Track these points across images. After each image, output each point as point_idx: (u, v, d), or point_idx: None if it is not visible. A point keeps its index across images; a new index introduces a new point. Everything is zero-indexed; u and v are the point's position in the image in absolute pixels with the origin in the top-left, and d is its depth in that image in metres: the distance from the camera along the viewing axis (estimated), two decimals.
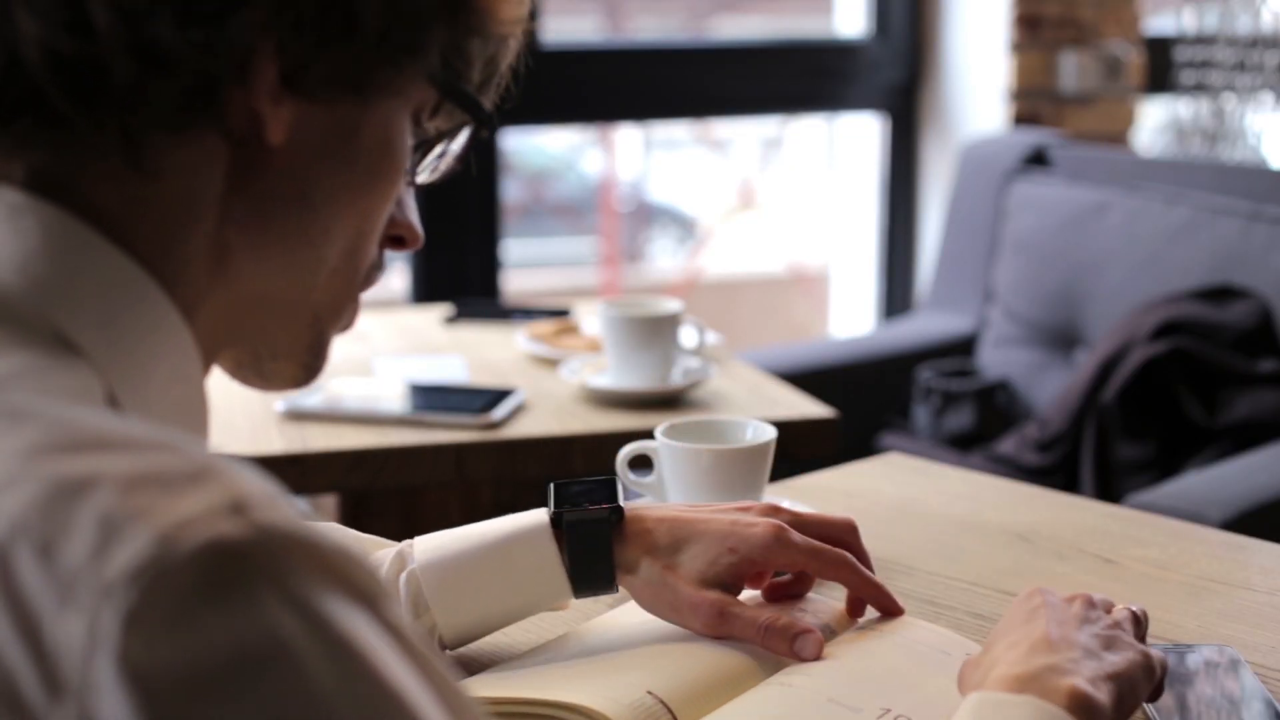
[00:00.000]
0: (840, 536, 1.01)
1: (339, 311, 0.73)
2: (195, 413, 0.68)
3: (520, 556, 0.97)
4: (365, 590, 0.52)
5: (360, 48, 0.64)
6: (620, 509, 0.98)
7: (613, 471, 1.24)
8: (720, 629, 0.95)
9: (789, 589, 1.02)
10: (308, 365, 0.73)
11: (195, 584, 0.48)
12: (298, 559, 0.50)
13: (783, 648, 0.93)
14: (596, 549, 0.97)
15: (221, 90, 0.61)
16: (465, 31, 0.68)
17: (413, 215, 0.75)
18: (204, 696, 0.47)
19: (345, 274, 0.71)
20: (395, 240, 0.74)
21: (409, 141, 0.70)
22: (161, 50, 0.60)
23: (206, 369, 0.69)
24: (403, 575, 0.97)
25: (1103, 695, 0.79)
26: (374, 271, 0.74)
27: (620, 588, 0.99)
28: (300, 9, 0.61)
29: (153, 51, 0.60)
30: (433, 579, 0.96)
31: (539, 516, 0.98)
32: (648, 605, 0.98)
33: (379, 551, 1.00)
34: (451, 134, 0.73)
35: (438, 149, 0.74)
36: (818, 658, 0.93)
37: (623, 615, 1.03)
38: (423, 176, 0.75)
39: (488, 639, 1.02)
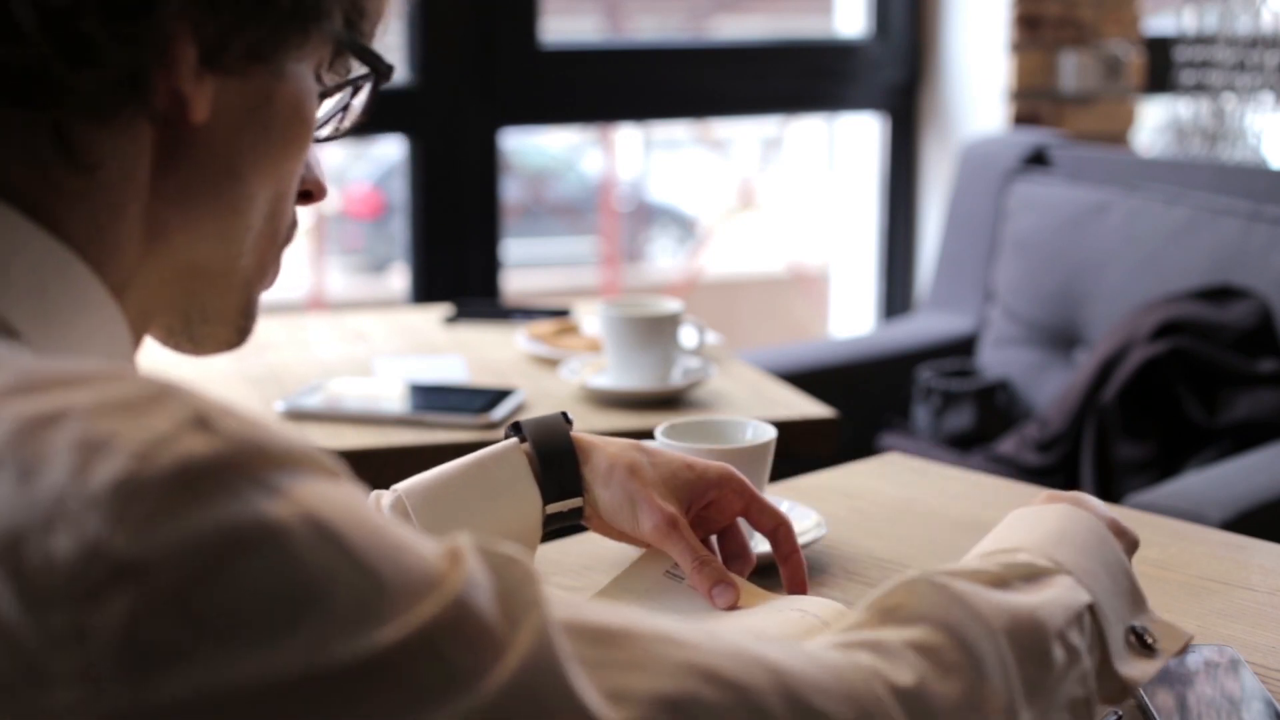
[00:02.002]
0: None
1: (264, 272, 0.75)
2: None
3: (496, 470, 1.05)
4: (329, 468, 0.55)
5: (274, 21, 0.65)
6: (567, 414, 1.07)
7: None
8: (664, 539, 1.03)
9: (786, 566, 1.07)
10: (240, 328, 0.75)
11: (178, 489, 0.50)
12: (267, 457, 0.52)
13: (703, 587, 1.02)
14: (556, 440, 1.05)
15: (147, 76, 0.62)
16: None
17: (318, 170, 0.77)
18: (198, 581, 0.49)
19: (267, 235, 0.73)
20: (303, 195, 0.77)
21: (316, 100, 0.72)
22: (89, 46, 0.61)
23: (138, 343, 0.70)
24: (385, 503, 1.03)
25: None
26: (292, 229, 0.76)
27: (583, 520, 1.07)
28: None
29: (81, 48, 0.61)
30: (417, 498, 1.03)
31: (514, 440, 1.07)
32: (608, 494, 1.04)
33: None
34: (350, 85, 0.74)
35: (336, 100, 0.75)
36: (731, 608, 1.02)
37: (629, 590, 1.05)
38: (325, 130, 0.77)
39: None
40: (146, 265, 0.67)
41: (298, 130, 0.70)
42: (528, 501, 1.04)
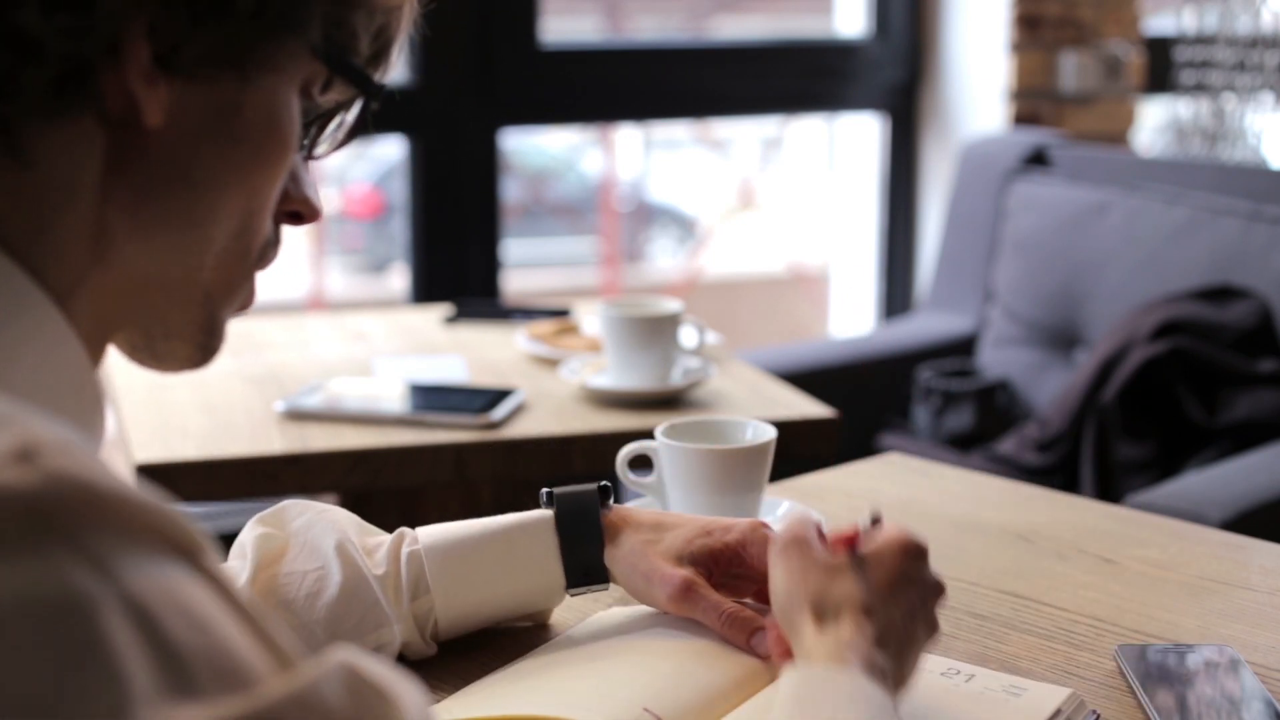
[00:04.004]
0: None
1: (232, 291, 0.71)
2: (79, 397, 0.65)
3: (521, 545, 1.01)
4: (177, 542, 0.50)
5: (235, 24, 0.63)
6: (608, 485, 1.02)
7: (613, 471, 1.25)
8: (683, 605, 0.98)
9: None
10: (202, 345, 0.72)
11: None
12: (92, 510, 0.48)
13: (740, 639, 0.96)
14: (586, 521, 1.01)
15: (94, 74, 0.60)
16: (345, 5, 0.68)
17: (310, 190, 0.74)
18: None
19: (236, 253, 0.69)
20: (292, 215, 0.73)
21: (297, 116, 0.69)
22: (29, 38, 0.59)
23: (97, 353, 0.68)
24: (403, 554, 0.99)
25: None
26: (269, 249, 0.72)
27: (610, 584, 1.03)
28: None
29: (20, 40, 0.59)
30: (436, 559, 0.99)
31: (544, 512, 1.02)
32: (624, 577, 1.01)
33: (371, 538, 1.02)
34: (347, 106, 0.72)
35: (334, 122, 0.73)
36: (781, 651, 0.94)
37: (614, 618, 1.03)
38: (320, 150, 0.74)
39: (478, 650, 1.02)
40: (96, 272, 0.65)
41: (271, 146, 0.67)
42: (549, 581, 1.02)
